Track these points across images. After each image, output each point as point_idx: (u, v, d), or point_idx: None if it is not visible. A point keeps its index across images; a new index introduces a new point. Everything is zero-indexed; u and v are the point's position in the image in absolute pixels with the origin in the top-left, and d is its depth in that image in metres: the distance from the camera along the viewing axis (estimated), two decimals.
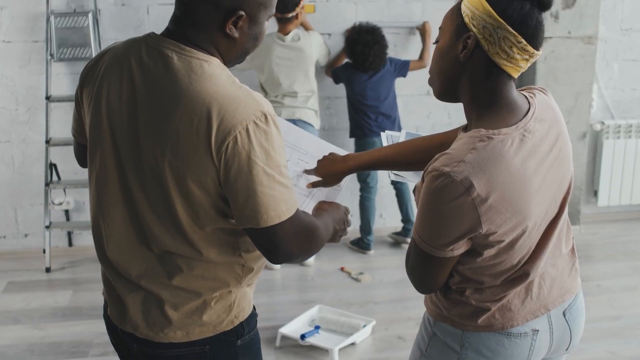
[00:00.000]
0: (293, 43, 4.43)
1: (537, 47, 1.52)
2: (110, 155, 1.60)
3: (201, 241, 1.58)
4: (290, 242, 1.55)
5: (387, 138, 2.06)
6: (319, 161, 2.01)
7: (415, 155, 1.93)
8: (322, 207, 1.84)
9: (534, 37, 1.50)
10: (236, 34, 1.56)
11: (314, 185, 2.00)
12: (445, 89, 1.62)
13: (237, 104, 1.48)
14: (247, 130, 1.47)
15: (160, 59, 1.54)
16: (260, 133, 1.48)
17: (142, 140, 1.54)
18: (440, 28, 1.62)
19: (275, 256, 1.56)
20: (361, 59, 4.53)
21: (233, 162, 1.47)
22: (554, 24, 4.81)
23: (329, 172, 1.99)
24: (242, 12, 1.53)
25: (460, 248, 1.55)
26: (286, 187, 1.53)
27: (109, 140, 1.60)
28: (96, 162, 1.64)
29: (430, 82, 1.66)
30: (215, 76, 1.52)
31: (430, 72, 1.66)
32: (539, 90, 1.69)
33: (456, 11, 1.56)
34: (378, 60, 4.56)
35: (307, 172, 1.99)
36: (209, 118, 1.46)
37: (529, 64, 1.55)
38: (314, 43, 4.51)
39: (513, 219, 1.51)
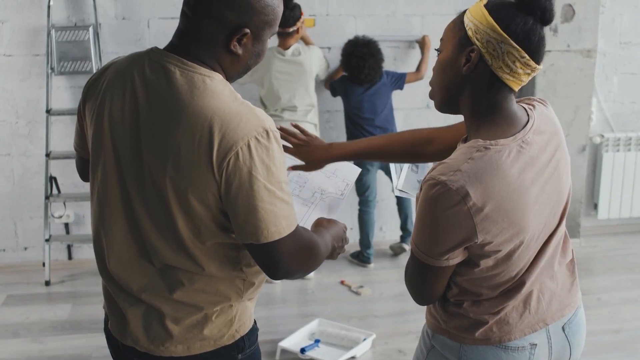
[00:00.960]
0: (293, 57, 4.45)
1: (538, 62, 1.53)
2: (112, 169, 1.60)
3: (202, 255, 1.58)
4: (290, 258, 1.55)
5: None
6: (302, 146, 2.03)
7: (402, 147, 1.95)
8: (321, 223, 1.84)
9: (537, 52, 1.51)
10: (240, 51, 1.57)
11: (294, 168, 2.02)
12: (446, 101, 1.63)
13: (239, 120, 1.48)
14: (249, 146, 1.47)
15: (162, 74, 1.54)
16: (261, 149, 1.48)
17: (144, 155, 1.55)
18: (441, 39, 1.62)
19: (275, 272, 1.57)
20: (356, 72, 4.54)
21: (234, 177, 1.47)
22: (553, 37, 4.83)
23: (312, 158, 2.02)
24: (247, 30, 1.53)
25: (457, 258, 1.55)
26: (287, 203, 1.53)
27: (111, 154, 1.60)
28: (98, 175, 1.64)
29: (431, 94, 1.66)
30: (217, 92, 1.52)
31: (431, 84, 1.66)
32: (539, 102, 1.70)
33: (459, 23, 1.57)
34: (373, 74, 4.57)
35: (287, 151, 2.01)
36: (211, 133, 1.47)
37: (529, 78, 1.56)
38: (314, 57, 4.52)
39: (510, 230, 1.51)
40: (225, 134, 1.47)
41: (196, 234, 1.55)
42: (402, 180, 1.98)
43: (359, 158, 2.04)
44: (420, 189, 1.54)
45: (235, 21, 1.52)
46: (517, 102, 1.64)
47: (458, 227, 1.48)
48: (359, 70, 4.52)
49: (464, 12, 1.58)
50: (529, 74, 1.53)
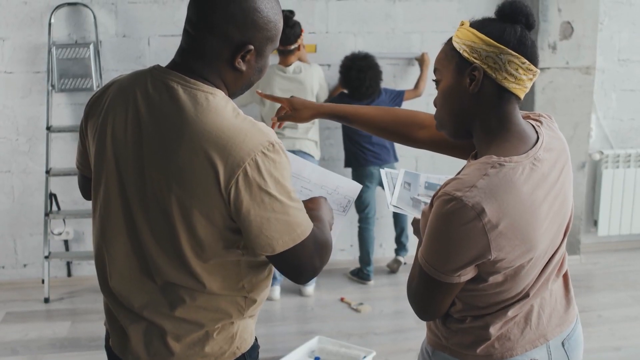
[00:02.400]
0: (294, 75, 4.46)
1: (537, 65, 1.57)
2: (114, 186, 1.61)
3: (204, 273, 1.58)
4: (312, 259, 1.58)
5: (387, 175, 2.07)
6: (292, 98, 2.10)
7: (394, 124, 1.99)
8: (309, 206, 1.80)
9: (533, 55, 1.56)
10: (244, 67, 1.58)
11: (281, 119, 2.08)
12: (459, 126, 1.63)
13: (244, 136, 1.49)
14: (256, 161, 1.48)
15: (165, 91, 1.55)
16: (269, 162, 1.49)
17: (147, 172, 1.55)
18: (436, 70, 1.64)
19: (299, 277, 1.61)
20: (357, 85, 4.51)
21: (244, 194, 1.48)
22: (552, 55, 4.85)
23: (304, 105, 2.08)
24: (252, 47, 1.55)
25: (468, 274, 1.54)
26: (299, 210, 1.55)
27: (114, 172, 1.60)
28: (100, 193, 1.64)
29: (441, 126, 1.66)
30: (220, 108, 1.53)
31: (437, 117, 1.66)
32: (545, 117, 1.71)
33: (449, 51, 1.60)
34: (374, 85, 4.55)
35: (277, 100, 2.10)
36: (216, 151, 1.47)
37: (532, 83, 1.59)
38: (314, 75, 4.53)
39: (521, 247, 1.51)
40: (231, 151, 1.47)
41: (199, 252, 1.55)
42: (395, 196, 1.98)
43: (348, 121, 2.08)
44: (431, 205, 1.55)
45: (240, 38, 1.54)
46: (523, 117, 1.66)
47: (472, 243, 1.47)
48: (360, 83, 4.50)
49: (450, 40, 1.61)
50: (531, 79, 1.57)
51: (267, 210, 1.50)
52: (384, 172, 2.05)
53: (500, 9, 1.57)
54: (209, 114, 1.51)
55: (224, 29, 1.52)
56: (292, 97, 2.12)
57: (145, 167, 1.55)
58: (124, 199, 1.60)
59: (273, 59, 4.46)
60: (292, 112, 2.09)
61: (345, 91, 4.66)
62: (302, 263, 1.58)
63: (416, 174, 2.04)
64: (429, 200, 1.87)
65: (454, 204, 1.46)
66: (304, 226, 1.56)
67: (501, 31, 1.53)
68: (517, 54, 1.52)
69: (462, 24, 1.59)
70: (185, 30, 1.59)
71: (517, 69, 1.53)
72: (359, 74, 4.50)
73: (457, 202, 1.46)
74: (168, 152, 1.52)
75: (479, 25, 1.56)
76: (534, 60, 1.55)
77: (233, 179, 1.47)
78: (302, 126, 4.47)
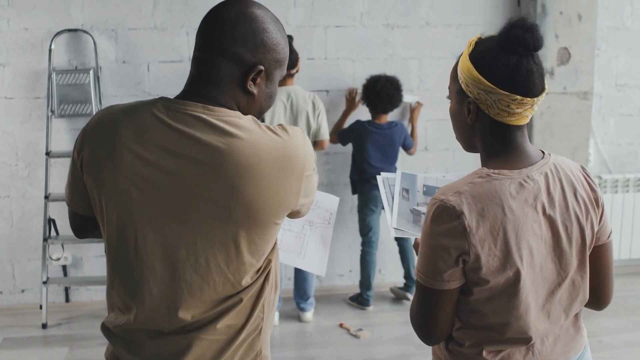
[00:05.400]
0: (293, 97, 4.45)
1: (534, 95, 1.55)
2: (148, 226, 1.53)
3: (245, 292, 1.60)
4: None
5: (384, 182, 2.05)
6: None
7: None
8: None
9: (528, 88, 1.53)
10: (255, 90, 1.58)
11: None
12: (467, 143, 1.69)
13: (295, 146, 1.55)
14: (309, 159, 1.58)
15: (196, 124, 1.50)
16: (311, 148, 1.62)
17: (201, 209, 1.50)
18: (448, 85, 1.68)
19: None
20: (384, 90, 4.60)
21: (305, 188, 1.58)
22: (550, 80, 4.87)
23: None
24: (262, 67, 1.55)
25: (456, 280, 1.55)
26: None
27: (146, 212, 1.52)
28: (127, 237, 1.54)
29: (456, 136, 1.73)
30: (255, 129, 1.52)
31: (453, 128, 1.72)
32: (579, 167, 1.69)
33: (454, 75, 1.63)
34: (397, 97, 4.64)
35: None
36: (280, 172, 1.51)
37: (535, 109, 1.58)
38: (308, 100, 4.51)
39: (500, 258, 1.52)
40: (293, 167, 1.53)
41: (251, 271, 1.58)
42: (395, 213, 1.96)
43: None
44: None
45: (251, 59, 1.54)
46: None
47: (453, 243, 1.51)
48: (386, 90, 4.61)
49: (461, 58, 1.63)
50: (529, 109, 1.56)
51: (314, 182, 1.65)
52: (380, 178, 2.04)
53: (499, 36, 1.56)
54: (251, 137, 1.50)
55: (235, 50, 1.52)
56: None
57: (196, 205, 1.50)
58: (162, 239, 1.53)
59: None
60: None
61: (362, 119, 4.71)
62: None
63: (413, 175, 2.02)
64: None
65: (437, 206, 1.53)
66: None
67: (493, 66, 1.52)
68: (506, 92, 1.52)
69: (469, 46, 1.59)
70: (195, 58, 1.58)
71: (508, 105, 1.54)
72: (383, 86, 4.61)
73: (440, 204, 1.53)
74: (232, 192, 1.48)
75: (476, 56, 1.56)
76: (529, 92, 1.53)
77: (301, 189, 1.56)
78: None
